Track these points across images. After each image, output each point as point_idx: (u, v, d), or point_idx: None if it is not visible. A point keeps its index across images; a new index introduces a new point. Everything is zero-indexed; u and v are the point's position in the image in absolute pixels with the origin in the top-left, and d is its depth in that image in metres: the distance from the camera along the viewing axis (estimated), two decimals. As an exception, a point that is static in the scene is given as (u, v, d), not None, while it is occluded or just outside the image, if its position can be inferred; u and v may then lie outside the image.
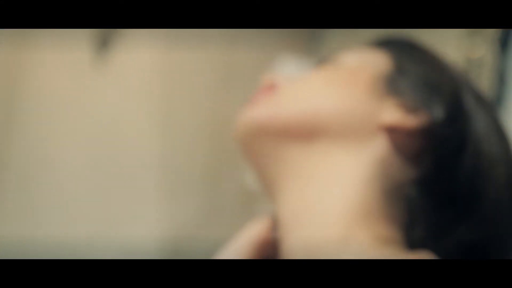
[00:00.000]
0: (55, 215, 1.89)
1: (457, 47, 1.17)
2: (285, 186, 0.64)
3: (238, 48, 2.04)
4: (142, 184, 1.99)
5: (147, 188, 1.99)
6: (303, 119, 0.63)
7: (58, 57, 1.85)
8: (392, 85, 0.63)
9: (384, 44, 0.68)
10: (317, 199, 0.61)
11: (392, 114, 0.61)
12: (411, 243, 0.59)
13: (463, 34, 1.17)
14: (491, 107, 0.65)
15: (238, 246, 0.66)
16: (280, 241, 0.64)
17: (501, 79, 1.07)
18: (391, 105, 0.62)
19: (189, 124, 2.03)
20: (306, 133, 0.62)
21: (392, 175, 0.60)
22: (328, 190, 0.61)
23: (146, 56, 1.95)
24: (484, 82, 1.13)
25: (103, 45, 1.93)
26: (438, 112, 0.60)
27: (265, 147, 0.64)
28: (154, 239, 1.94)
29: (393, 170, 0.61)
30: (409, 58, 0.66)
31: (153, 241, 1.93)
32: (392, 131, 0.61)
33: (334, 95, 0.63)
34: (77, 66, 1.92)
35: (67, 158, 1.93)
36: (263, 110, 0.64)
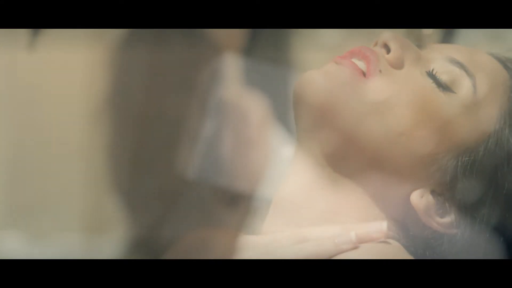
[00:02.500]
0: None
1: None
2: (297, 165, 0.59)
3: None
4: (65, 180, 1.97)
5: (71, 183, 1.97)
6: (354, 131, 0.55)
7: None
8: (455, 179, 0.56)
9: None
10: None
11: (422, 198, 0.55)
12: None
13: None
14: None
15: None
16: None
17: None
18: (430, 191, 0.56)
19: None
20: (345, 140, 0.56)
21: (399, 232, 0.57)
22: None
23: (73, 56, 1.92)
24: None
25: (29, 45, 1.90)
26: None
27: (310, 116, 0.57)
28: (79, 235, 1.91)
29: (400, 232, 0.57)
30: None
31: (77, 238, 1.90)
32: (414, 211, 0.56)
33: (407, 135, 0.55)
34: (2, 65, 1.87)
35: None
36: (332, 90, 0.56)
